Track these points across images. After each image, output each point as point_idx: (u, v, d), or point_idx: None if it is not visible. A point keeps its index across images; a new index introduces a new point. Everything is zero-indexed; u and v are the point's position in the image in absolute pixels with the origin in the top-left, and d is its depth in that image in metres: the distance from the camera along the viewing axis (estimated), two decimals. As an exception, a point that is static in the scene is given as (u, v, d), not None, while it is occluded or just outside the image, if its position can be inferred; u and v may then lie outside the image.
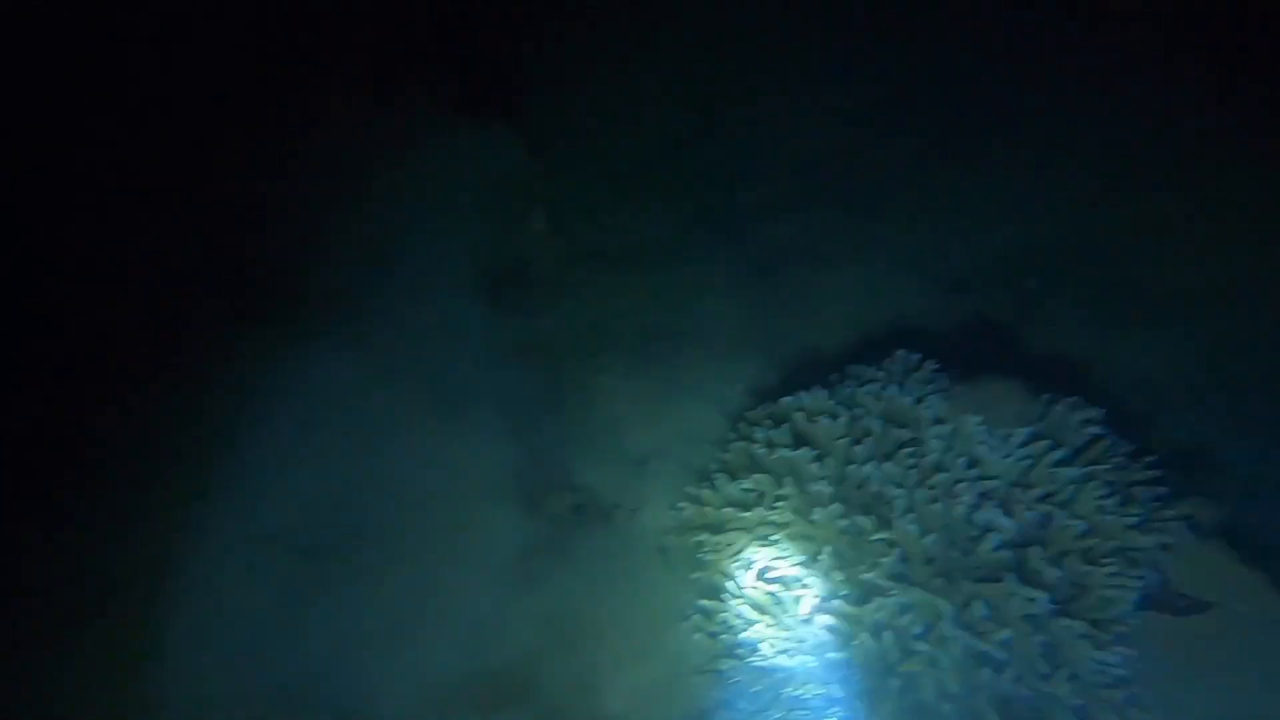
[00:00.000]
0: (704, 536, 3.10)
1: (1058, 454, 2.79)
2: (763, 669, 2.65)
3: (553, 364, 3.90)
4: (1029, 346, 4.23)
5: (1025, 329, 4.33)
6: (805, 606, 2.72)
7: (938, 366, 3.25)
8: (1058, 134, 4.85)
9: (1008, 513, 2.67)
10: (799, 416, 3.12)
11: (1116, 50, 4.80)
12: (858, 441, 2.93)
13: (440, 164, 4.25)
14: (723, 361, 4.23)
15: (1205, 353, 3.97)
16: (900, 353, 3.32)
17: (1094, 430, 2.93)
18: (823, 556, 2.76)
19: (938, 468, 2.81)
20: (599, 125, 5.01)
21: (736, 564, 2.93)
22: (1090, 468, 2.77)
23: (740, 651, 2.73)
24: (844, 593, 2.68)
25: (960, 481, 2.74)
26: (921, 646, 2.50)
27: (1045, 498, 2.69)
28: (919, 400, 2.99)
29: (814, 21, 5.67)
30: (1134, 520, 2.67)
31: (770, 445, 3.08)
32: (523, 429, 3.63)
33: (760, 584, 2.83)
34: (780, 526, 2.90)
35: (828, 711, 2.51)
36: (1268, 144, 4.35)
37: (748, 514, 3.01)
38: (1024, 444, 2.83)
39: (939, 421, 2.91)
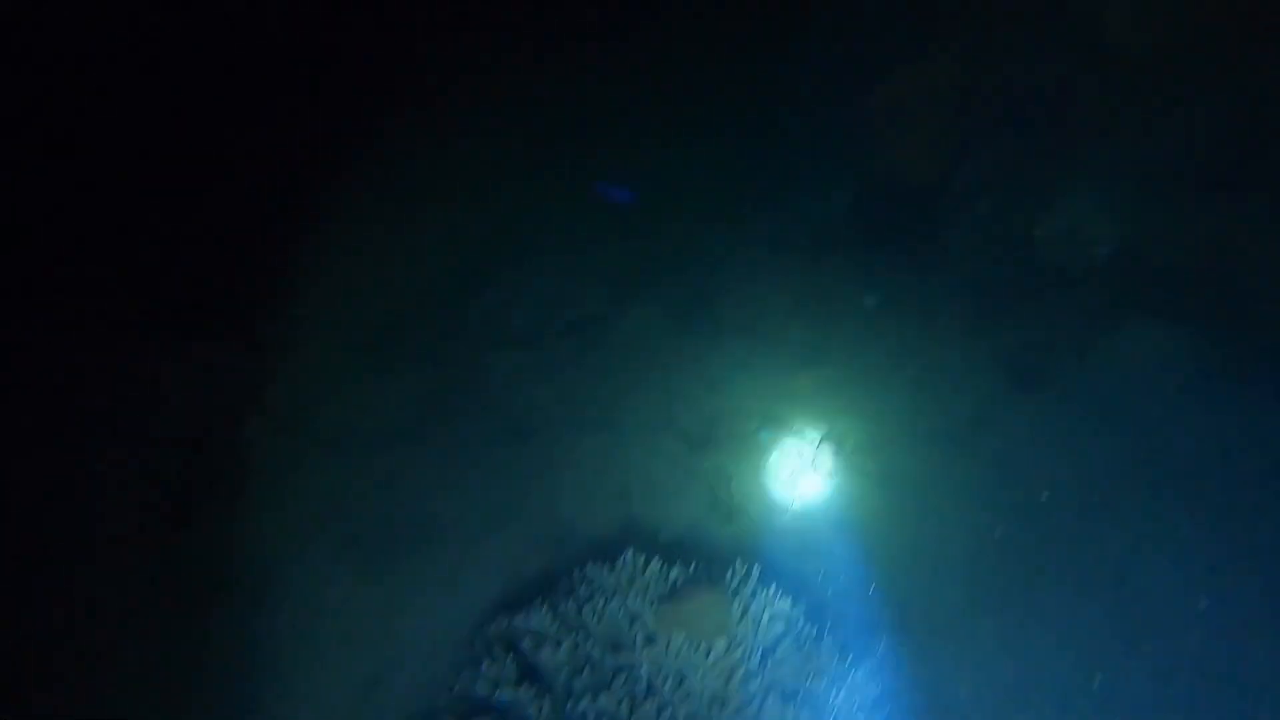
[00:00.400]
0: (426, 793, 2.92)
1: (749, 661, 3.12)
2: None
3: (261, 586, 3.49)
4: (761, 495, 4.76)
5: (757, 477, 4.87)
6: None
7: (661, 563, 3.48)
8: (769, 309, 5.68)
9: (706, 734, 2.90)
10: (526, 643, 3.14)
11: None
12: (579, 670, 3.01)
13: (134, 381, 3.68)
14: (471, 546, 4.14)
15: (891, 503, 4.75)
16: (629, 554, 3.51)
17: (780, 627, 3.33)
18: (543, 806, 2.75)
19: (649, 691, 2.98)
20: (332, 298, 4.79)
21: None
22: (773, 673, 3.13)
23: None
24: (561, 845, 2.68)
25: (666, 708, 2.93)
26: None
27: (737, 712, 2.98)
28: (633, 621, 3.18)
29: (566, 189, 6.10)
30: (808, 721, 3.06)
31: (495, 684, 3.03)
32: (204, 683, 3.15)
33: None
34: (502, 776, 2.84)
35: None
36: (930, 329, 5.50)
37: (472, 761, 2.90)
38: (724, 653, 3.13)
39: (650, 642, 3.11)
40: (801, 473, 4.95)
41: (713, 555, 3.82)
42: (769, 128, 6.85)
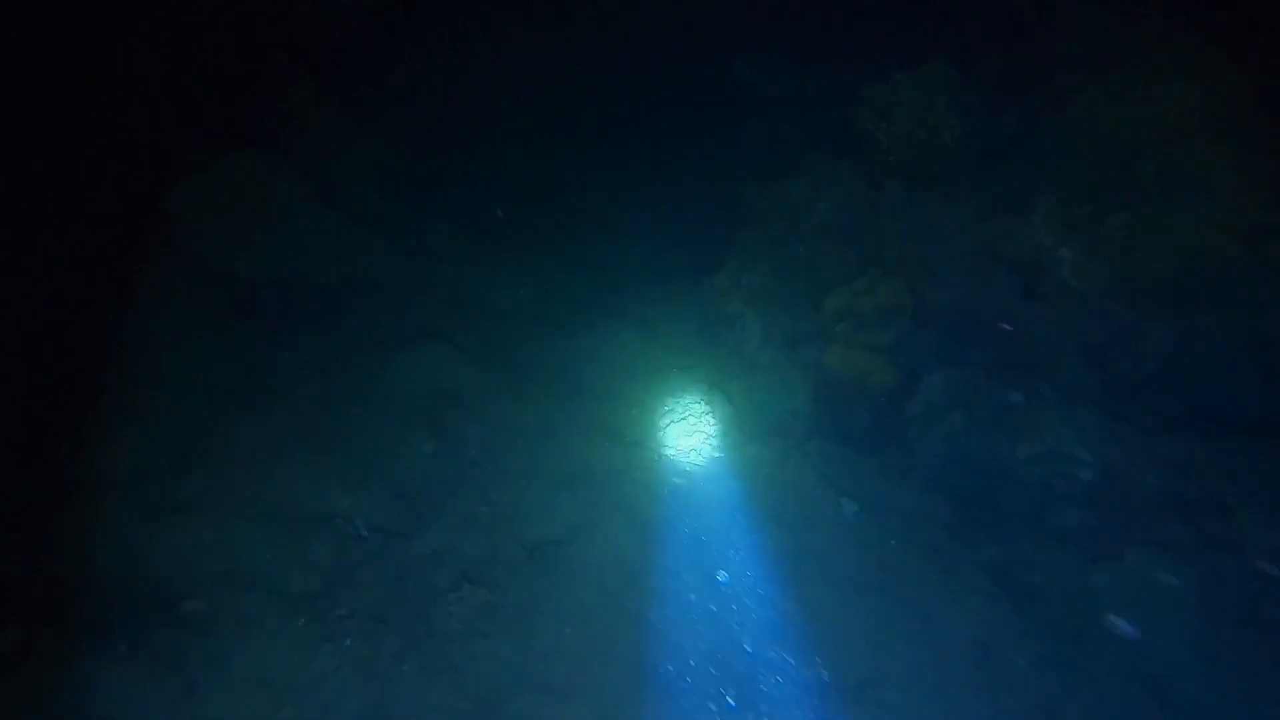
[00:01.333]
0: None
1: None
2: None
3: None
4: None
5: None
6: None
7: None
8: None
9: None
10: None
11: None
12: None
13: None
14: None
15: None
16: None
17: None
18: None
19: None
20: (252, 552, 4.11)
21: None
22: None
23: None
24: None
25: None
26: None
27: None
28: None
29: (521, 395, 5.85)
30: None
31: None
32: None
33: None
34: None
35: None
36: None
37: None
38: None
39: None
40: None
41: None
42: (721, 321, 6.95)
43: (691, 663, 4.33)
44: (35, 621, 3.44)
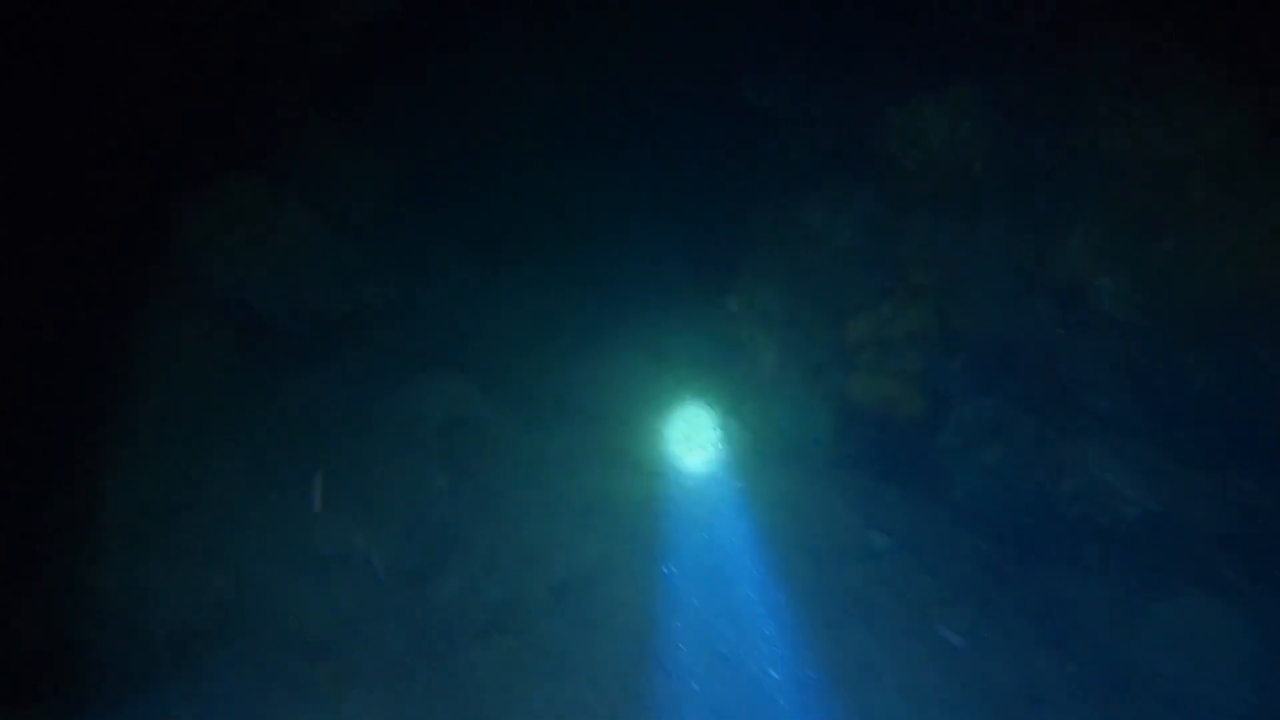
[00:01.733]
0: None
1: None
2: None
3: None
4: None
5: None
6: None
7: None
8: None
9: None
10: None
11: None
12: None
13: None
14: None
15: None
16: None
17: None
18: None
19: None
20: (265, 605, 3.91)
21: None
22: None
23: None
24: None
25: None
26: None
27: None
28: None
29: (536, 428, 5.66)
30: None
31: None
32: None
33: None
34: None
35: None
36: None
37: None
38: None
39: None
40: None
41: None
42: (733, 346, 6.77)
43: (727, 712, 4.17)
44: (51, 688, 3.22)
